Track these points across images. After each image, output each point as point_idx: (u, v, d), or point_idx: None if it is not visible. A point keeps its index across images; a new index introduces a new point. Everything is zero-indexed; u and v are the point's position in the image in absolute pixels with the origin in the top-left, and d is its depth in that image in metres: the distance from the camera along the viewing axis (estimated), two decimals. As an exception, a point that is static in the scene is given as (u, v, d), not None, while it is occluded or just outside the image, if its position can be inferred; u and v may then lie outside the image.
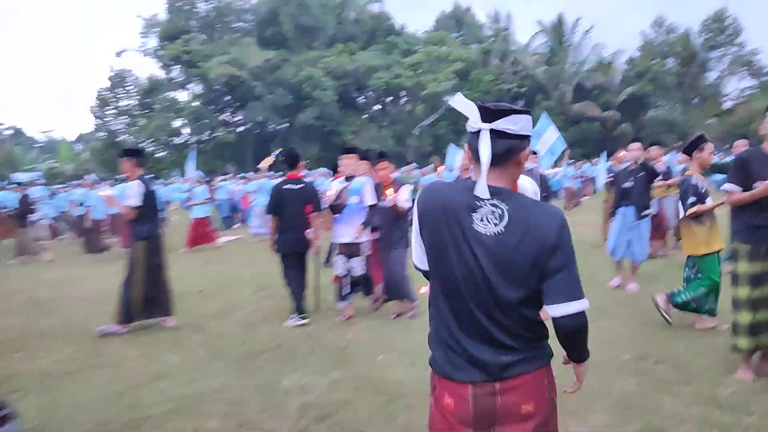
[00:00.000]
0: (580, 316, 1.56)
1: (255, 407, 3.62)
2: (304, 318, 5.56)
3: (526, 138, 1.60)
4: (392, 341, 4.85)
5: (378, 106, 43.54)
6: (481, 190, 1.54)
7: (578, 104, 38.01)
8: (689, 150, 4.81)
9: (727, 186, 3.61)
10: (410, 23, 67.55)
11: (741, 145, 7.01)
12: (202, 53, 37.25)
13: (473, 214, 1.55)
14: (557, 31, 41.24)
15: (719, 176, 14.52)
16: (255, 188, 13.52)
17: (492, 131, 1.55)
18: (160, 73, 40.54)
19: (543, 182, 6.68)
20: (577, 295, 1.56)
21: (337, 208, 5.49)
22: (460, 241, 1.56)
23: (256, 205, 12.92)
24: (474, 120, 1.58)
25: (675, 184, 7.62)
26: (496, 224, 1.53)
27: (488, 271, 1.53)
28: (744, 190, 3.51)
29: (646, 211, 6.27)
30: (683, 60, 42.25)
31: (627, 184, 6.29)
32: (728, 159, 8.47)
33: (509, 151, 1.57)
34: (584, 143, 35.17)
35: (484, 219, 1.54)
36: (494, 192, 1.55)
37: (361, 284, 5.69)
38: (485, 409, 1.57)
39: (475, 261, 1.54)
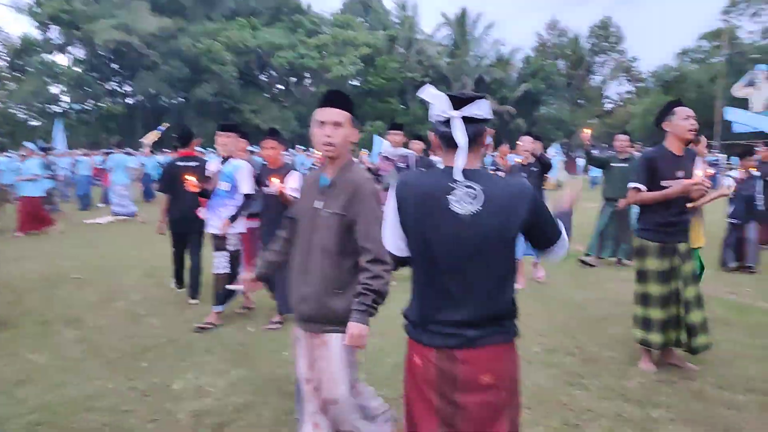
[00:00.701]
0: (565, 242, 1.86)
1: (140, 415, 3.14)
2: (193, 300, 5.33)
3: (489, 120, 1.75)
4: (298, 335, 4.51)
5: (281, 86, 42.16)
6: (458, 173, 1.68)
7: (477, 97, 39.29)
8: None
9: (634, 184, 3.63)
10: (316, 4, 66.19)
11: (622, 139, 7.34)
12: (86, 14, 33.80)
13: (449, 196, 1.68)
14: (460, 25, 42.30)
15: (597, 170, 15.63)
16: (113, 165, 12.36)
17: (464, 118, 1.69)
18: (35, 33, 36.31)
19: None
20: (558, 233, 1.82)
21: (205, 192, 4.75)
22: (440, 222, 1.68)
23: (116, 184, 12.04)
24: (444, 108, 1.70)
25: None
26: (471, 204, 1.66)
27: (467, 249, 1.67)
28: (649, 189, 3.56)
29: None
30: (572, 62, 45.18)
31: None
32: (607, 154, 8.94)
33: (478, 134, 1.72)
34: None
35: (461, 200, 1.67)
36: (467, 174, 1.69)
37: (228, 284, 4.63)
38: (447, 374, 1.71)
39: (455, 240, 1.67)
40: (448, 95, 1.72)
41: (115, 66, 37.66)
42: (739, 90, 26.82)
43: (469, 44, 42.32)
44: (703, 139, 5.24)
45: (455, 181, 1.69)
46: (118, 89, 39.51)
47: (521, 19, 75.48)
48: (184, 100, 37.87)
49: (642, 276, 3.71)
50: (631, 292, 5.74)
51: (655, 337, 3.61)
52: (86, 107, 36.67)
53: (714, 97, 31.40)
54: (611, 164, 7.28)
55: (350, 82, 41.32)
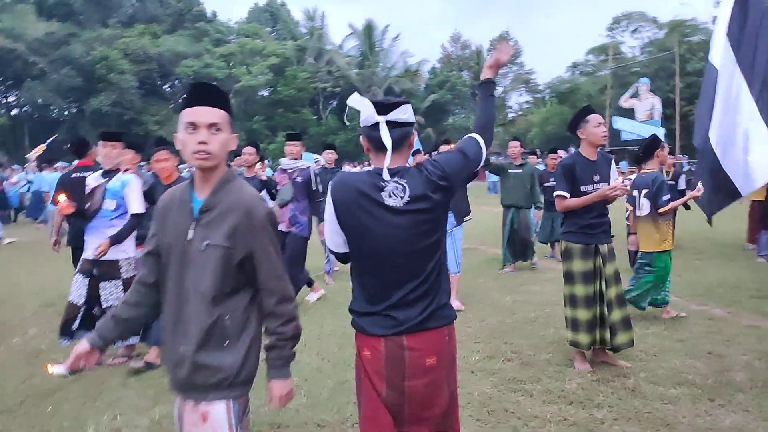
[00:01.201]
0: None
1: (49, 469, 2.73)
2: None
3: (413, 124, 1.92)
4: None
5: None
6: (386, 173, 1.84)
7: (388, 107, 39.86)
8: (647, 154, 4.93)
9: (559, 192, 3.79)
10: (222, 12, 64.45)
11: (513, 146, 7.54)
12: (-40, 18, 30.58)
13: (381, 193, 1.83)
14: (368, 36, 42.81)
15: (495, 177, 16.28)
16: None
17: (387, 122, 1.84)
18: None
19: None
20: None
21: (86, 213, 4.04)
22: (376, 216, 1.83)
23: None
24: (370, 114, 1.84)
25: None
26: (402, 197, 1.82)
27: (403, 236, 1.82)
28: (571, 195, 3.74)
29: (466, 217, 5.90)
30: (476, 74, 47.13)
31: None
32: (503, 160, 9.29)
33: (404, 137, 1.89)
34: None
35: (392, 195, 1.83)
36: (394, 172, 1.85)
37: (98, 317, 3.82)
38: (396, 361, 1.82)
39: (391, 229, 1.82)
40: (373, 102, 1.85)
41: (-5, 74, 34.35)
42: (624, 101, 29.27)
43: (378, 55, 42.91)
44: (666, 146, 5.33)
45: (384, 179, 1.85)
46: (1, 99, 36.06)
47: (424, 32, 77.90)
48: (77, 111, 35.21)
49: (568, 277, 3.83)
50: (554, 293, 6.05)
51: (583, 338, 3.72)
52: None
53: (603, 107, 34.03)
54: (508, 170, 7.39)
55: (260, 92, 40.49)
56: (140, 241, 4.22)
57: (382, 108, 1.85)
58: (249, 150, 6.08)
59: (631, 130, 22.01)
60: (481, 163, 2.06)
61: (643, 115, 27.73)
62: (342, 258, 2.01)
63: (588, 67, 41.33)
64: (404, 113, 1.87)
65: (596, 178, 3.75)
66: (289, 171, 5.74)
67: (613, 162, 3.91)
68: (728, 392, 3.34)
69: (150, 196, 4.26)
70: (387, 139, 1.83)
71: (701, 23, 32.52)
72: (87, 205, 4.07)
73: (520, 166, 7.35)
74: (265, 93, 40.98)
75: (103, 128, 30.14)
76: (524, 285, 6.53)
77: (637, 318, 4.76)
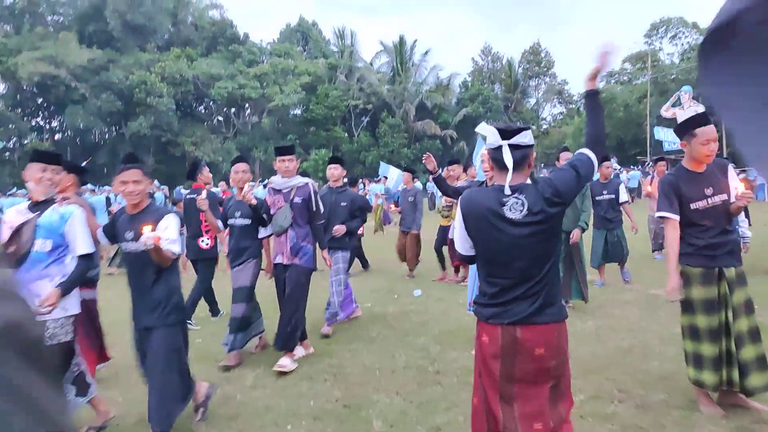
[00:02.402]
0: None
1: None
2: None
3: (532, 146, 2.20)
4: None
5: (220, 117, 41.00)
6: (507, 189, 2.16)
7: (420, 122, 39.74)
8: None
9: (663, 213, 3.43)
10: (253, 33, 65.64)
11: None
12: (7, 47, 31.70)
13: (503, 207, 2.16)
14: (398, 52, 42.84)
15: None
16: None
17: (510, 145, 2.16)
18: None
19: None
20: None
21: (13, 256, 3.04)
22: (497, 227, 2.16)
23: None
24: (495, 139, 2.19)
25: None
26: (521, 211, 2.13)
27: (522, 243, 2.14)
28: (680, 216, 3.40)
29: None
30: (507, 86, 46.71)
31: None
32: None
33: (524, 158, 2.21)
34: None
35: (511, 209, 2.14)
36: (515, 188, 2.16)
37: None
38: (509, 347, 2.14)
39: (510, 239, 2.15)
40: (497, 128, 2.21)
41: (40, 100, 35.44)
42: (666, 110, 28.39)
43: (409, 71, 42.87)
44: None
45: (506, 195, 2.17)
46: (44, 125, 37.19)
47: (454, 46, 77.89)
48: (117, 134, 36.03)
49: (687, 307, 3.36)
50: (641, 317, 5.56)
51: (708, 377, 3.23)
52: (8, 146, 34.15)
53: (641, 115, 33.08)
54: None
55: (292, 111, 40.81)
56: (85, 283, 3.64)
57: (505, 134, 2.19)
58: (241, 167, 4.93)
59: (674, 140, 21.31)
60: (592, 179, 2.47)
61: (686, 124, 26.87)
62: (468, 260, 2.41)
63: (624, 75, 40.42)
64: (525, 138, 2.20)
65: (709, 191, 3.29)
66: (285, 191, 4.71)
67: (731, 168, 3.38)
68: None
69: (112, 230, 3.48)
70: (509, 160, 2.16)
71: (744, 27, 31.34)
72: (12, 248, 3.05)
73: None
74: (298, 112, 41.27)
75: (143, 150, 29.99)
76: (602, 308, 6.04)
77: None
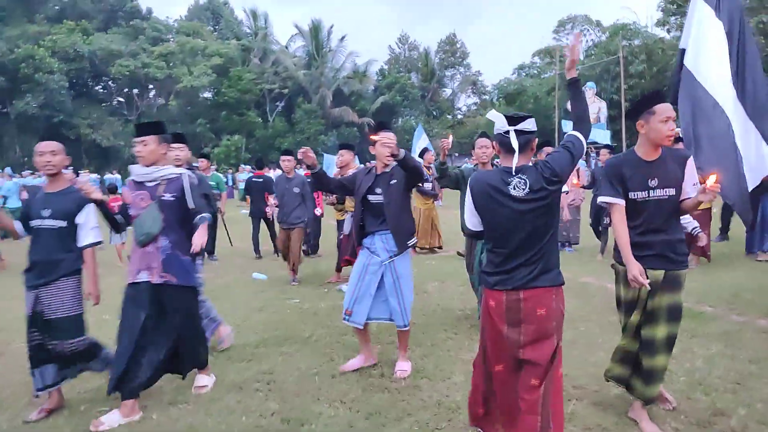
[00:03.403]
0: None
1: None
2: None
3: (535, 132, 2.51)
4: None
5: (121, 98, 37.97)
6: (513, 169, 2.46)
7: (338, 109, 39.12)
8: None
9: (605, 198, 3.16)
10: (158, 9, 60.67)
11: (482, 144, 7.07)
12: None
13: (508, 186, 2.46)
14: (314, 36, 41.78)
15: None
16: None
17: (516, 131, 2.48)
18: None
19: None
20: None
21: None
22: (503, 203, 2.47)
23: None
24: (503, 124, 2.50)
25: None
26: (523, 189, 2.43)
27: (525, 218, 2.44)
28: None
29: (411, 240, 5.04)
30: (424, 75, 47.08)
31: None
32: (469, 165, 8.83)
33: (527, 143, 2.51)
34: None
35: (515, 187, 2.44)
36: (518, 169, 2.46)
37: None
38: (513, 310, 2.47)
39: (514, 213, 2.45)
40: (505, 115, 2.49)
41: None
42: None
43: (325, 56, 41.97)
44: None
45: (511, 175, 2.44)
46: None
47: (369, 34, 77.36)
48: (1, 113, 32.34)
49: (618, 302, 3.18)
50: (578, 307, 5.48)
51: (613, 367, 3.18)
52: None
53: (549, 107, 34.52)
54: None
55: (203, 94, 38.71)
56: None
57: (512, 120, 2.47)
58: (48, 147, 3.49)
59: (578, 134, 22.47)
60: (584, 153, 2.57)
61: (590, 118, 28.33)
62: (476, 235, 2.70)
63: (534, 69, 42.02)
64: (529, 125, 2.48)
65: (653, 182, 2.91)
66: (149, 184, 3.48)
67: (691, 162, 2.98)
68: None
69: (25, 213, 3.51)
70: (515, 143, 2.45)
71: (642, 27, 33.57)
72: None
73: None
74: (209, 95, 39.22)
75: (31, 132, 27.47)
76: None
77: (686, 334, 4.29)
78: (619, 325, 3.22)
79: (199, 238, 3.34)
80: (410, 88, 43.18)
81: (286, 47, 42.71)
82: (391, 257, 3.89)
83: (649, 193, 2.91)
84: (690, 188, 2.94)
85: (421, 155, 8.30)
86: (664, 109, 2.89)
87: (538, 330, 2.43)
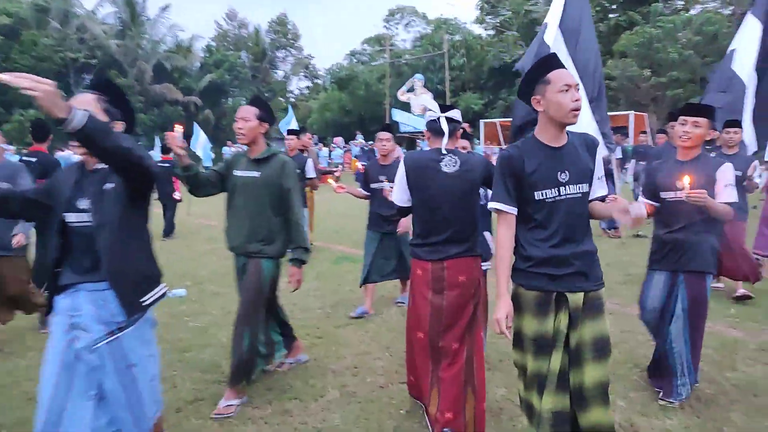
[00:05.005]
0: None
1: None
2: None
3: (460, 123, 2.99)
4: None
5: None
6: (444, 149, 2.88)
7: (159, 86, 35.61)
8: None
9: (495, 204, 2.80)
10: None
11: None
12: None
13: (440, 163, 2.85)
14: (129, 4, 37.36)
15: None
16: None
17: (447, 118, 2.89)
18: None
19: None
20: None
21: None
22: (435, 177, 2.85)
23: None
24: (435, 111, 2.93)
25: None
26: (454, 166, 2.85)
27: (453, 191, 2.84)
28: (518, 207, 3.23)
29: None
30: (255, 55, 45.08)
31: None
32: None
33: (455, 129, 2.95)
34: (167, 127, 33.28)
35: (447, 164, 2.84)
36: (449, 151, 2.89)
37: None
38: (437, 278, 2.82)
39: (445, 187, 2.84)
40: (438, 105, 3.00)
41: None
42: (401, 95, 30.87)
43: (142, 25, 37.81)
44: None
45: (442, 154, 2.88)
46: None
47: (197, 5, 71.73)
48: None
49: (517, 340, 2.38)
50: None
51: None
52: None
53: (380, 95, 35.38)
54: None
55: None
56: None
57: (443, 108, 2.94)
58: None
59: (408, 122, 23.48)
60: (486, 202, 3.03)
61: (418, 109, 29.46)
62: (404, 212, 3.04)
63: (365, 56, 42.71)
64: (456, 114, 2.94)
65: (563, 176, 2.26)
66: None
67: (601, 148, 2.47)
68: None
69: None
70: (446, 127, 2.88)
71: (462, 23, 36.00)
72: None
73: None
74: (-7, 60, 32.91)
75: None
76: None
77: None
78: None
79: None
80: (240, 67, 41.02)
81: (94, 12, 37.57)
82: (112, 331, 2.18)
83: (560, 190, 2.25)
84: (598, 185, 2.37)
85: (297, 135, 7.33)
86: (561, 75, 2.23)
87: (460, 294, 2.80)
